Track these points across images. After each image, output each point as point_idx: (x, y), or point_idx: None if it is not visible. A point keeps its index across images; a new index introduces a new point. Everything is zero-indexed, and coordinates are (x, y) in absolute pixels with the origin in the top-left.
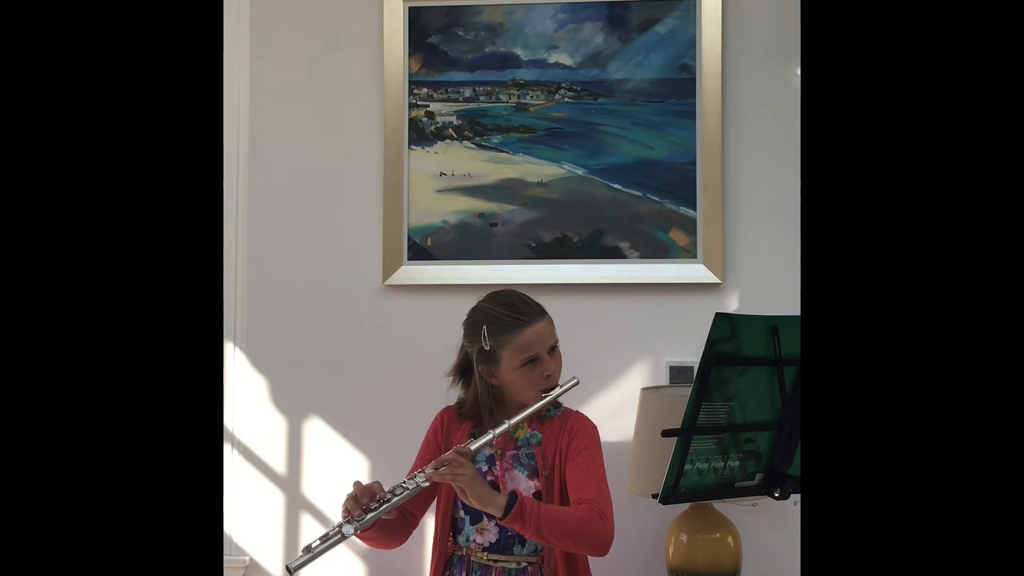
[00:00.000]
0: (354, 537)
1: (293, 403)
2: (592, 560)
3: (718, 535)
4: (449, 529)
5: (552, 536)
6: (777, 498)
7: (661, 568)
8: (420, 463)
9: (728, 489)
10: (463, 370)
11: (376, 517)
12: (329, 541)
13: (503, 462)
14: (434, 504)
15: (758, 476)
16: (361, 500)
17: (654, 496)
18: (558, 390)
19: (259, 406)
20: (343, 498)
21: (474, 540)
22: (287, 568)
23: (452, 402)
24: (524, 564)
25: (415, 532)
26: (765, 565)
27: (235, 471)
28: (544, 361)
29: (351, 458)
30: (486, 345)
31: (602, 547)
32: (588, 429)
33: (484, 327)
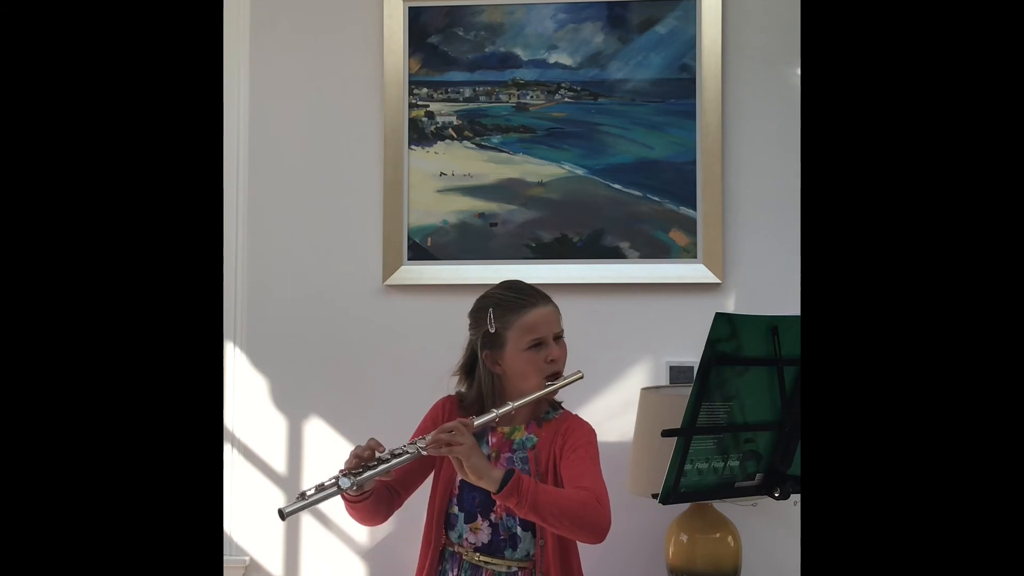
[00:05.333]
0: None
1: (293, 403)
2: (592, 560)
3: (718, 535)
4: (442, 522)
5: (549, 514)
6: (777, 498)
7: (661, 568)
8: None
9: (728, 489)
10: (469, 368)
11: (372, 476)
12: (324, 492)
13: (497, 464)
14: (427, 499)
15: (758, 476)
16: (363, 458)
17: (654, 496)
18: (563, 380)
19: (259, 406)
20: (341, 498)
21: (467, 539)
22: (279, 512)
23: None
24: (515, 568)
25: (413, 529)
26: (765, 565)
27: (235, 471)
28: (549, 346)
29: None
30: (491, 328)
31: (599, 532)
32: (584, 431)
33: (491, 310)
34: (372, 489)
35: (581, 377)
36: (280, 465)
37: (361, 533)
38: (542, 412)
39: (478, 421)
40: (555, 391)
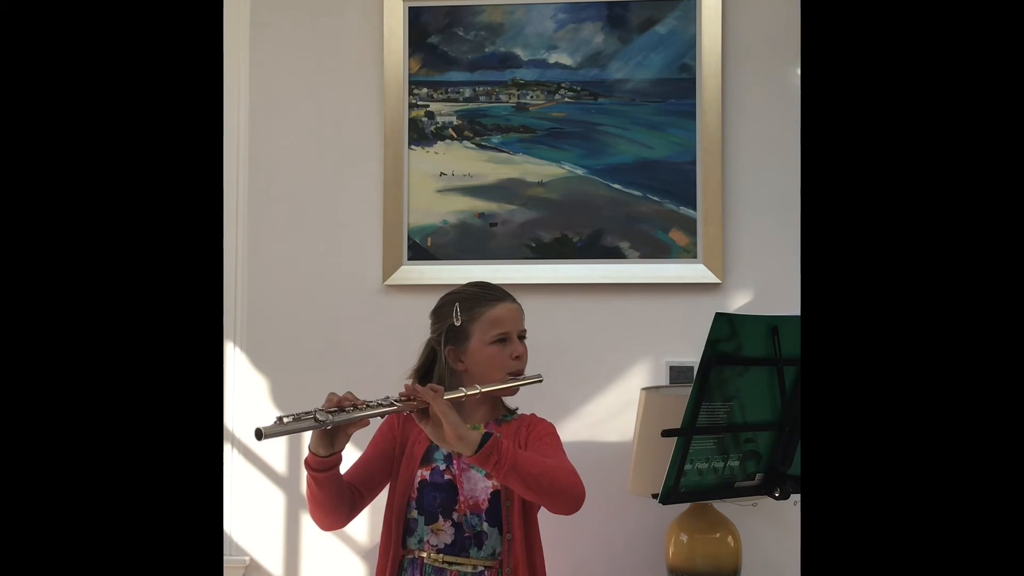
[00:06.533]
0: (323, 529)
1: (293, 403)
2: (592, 560)
3: (718, 535)
4: (400, 529)
5: (529, 476)
6: (777, 498)
7: (661, 568)
8: (374, 447)
9: (728, 489)
10: (426, 370)
11: (348, 420)
12: (301, 422)
13: (460, 462)
14: (383, 507)
15: (758, 476)
16: (341, 400)
17: (654, 496)
18: (523, 379)
19: (259, 406)
20: (306, 474)
21: (428, 541)
22: (257, 431)
23: None
24: (480, 568)
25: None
26: (765, 565)
27: (235, 471)
28: (514, 342)
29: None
30: (457, 321)
31: (575, 499)
32: (546, 424)
33: (457, 304)
34: (337, 457)
35: (540, 380)
36: (280, 465)
37: (361, 533)
38: (500, 415)
39: (447, 396)
40: (518, 386)
